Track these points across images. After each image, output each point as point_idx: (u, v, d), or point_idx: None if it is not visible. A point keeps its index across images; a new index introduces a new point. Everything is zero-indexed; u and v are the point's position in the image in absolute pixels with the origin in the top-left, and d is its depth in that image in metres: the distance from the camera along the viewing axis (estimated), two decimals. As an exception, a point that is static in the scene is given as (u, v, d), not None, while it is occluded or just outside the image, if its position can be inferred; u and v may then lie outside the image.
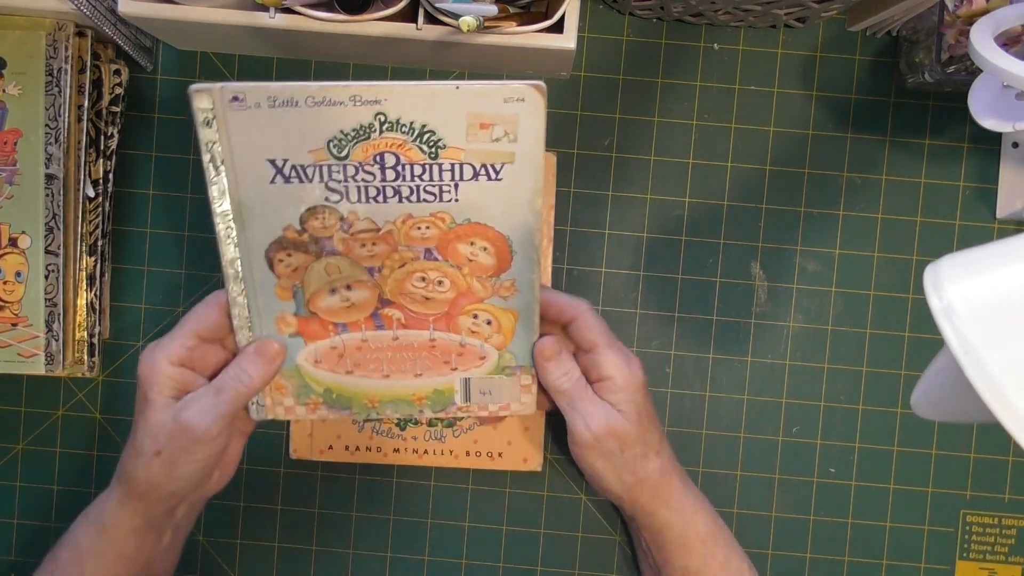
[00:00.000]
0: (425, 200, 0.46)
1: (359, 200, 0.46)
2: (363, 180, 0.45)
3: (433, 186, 0.46)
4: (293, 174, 0.45)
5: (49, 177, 0.52)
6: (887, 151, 0.58)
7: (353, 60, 0.58)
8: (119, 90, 0.55)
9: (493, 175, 0.45)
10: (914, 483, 0.58)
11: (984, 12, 0.46)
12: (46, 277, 0.52)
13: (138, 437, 0.47)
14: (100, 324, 0.56)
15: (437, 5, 0.46)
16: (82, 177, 0.53)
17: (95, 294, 0.55)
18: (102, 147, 0.55)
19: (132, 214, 0.58)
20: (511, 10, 0.50)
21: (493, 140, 0.44)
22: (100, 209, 0.55)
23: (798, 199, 0.58)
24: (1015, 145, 0.58)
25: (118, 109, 0.55)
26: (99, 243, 0.55)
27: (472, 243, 0.48)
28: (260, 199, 0.46)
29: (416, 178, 0.45)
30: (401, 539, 0.59)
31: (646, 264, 0.58)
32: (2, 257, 0.52)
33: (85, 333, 0.55)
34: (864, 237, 0.58)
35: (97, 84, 0.54)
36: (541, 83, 0.43)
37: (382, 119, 0.44)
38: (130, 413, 0.58)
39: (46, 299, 0.52)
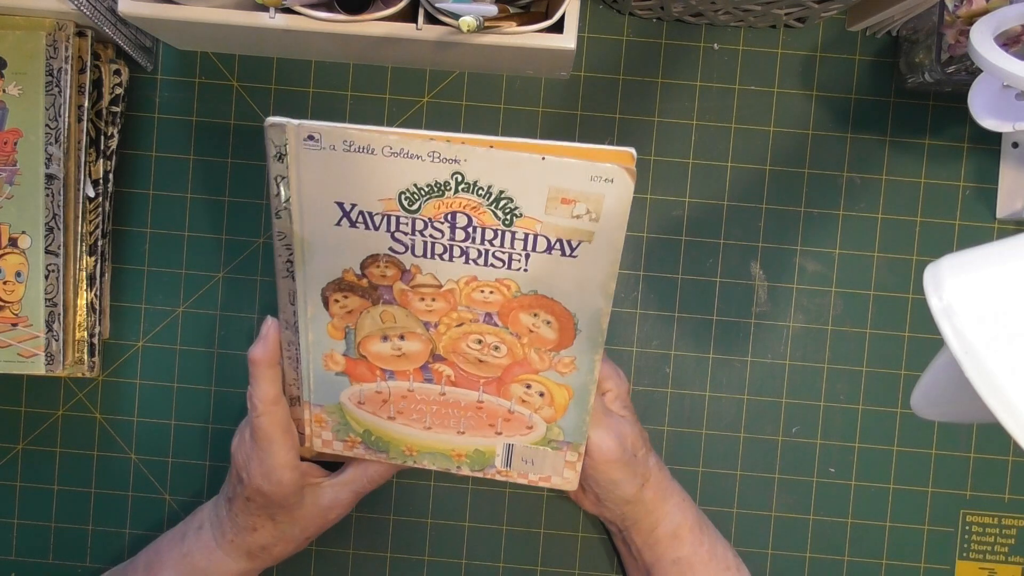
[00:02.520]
0: (492, 265, 0.44)
1: (424, 255, 0.44)
2: (431, 236, 0.44)
3: (503, 253, 0.44)
4: (360, 220, 0.44)
5: (49, 177, 0.52)
6: (887, 151, 0.58)
7: (353, 60, 0.58)
8: (119, 90, 0.55)
9: (568, 251, 0.43)
10: (914, 483, 0.58)
11: (984, 12, 0.46)
12: (46, 277, 0.52)
13: None
14: (100, 324, 0.56)
15: (437, 5, 0.46)
16: (82, 177, 0.53)
17: (95, 294, 0.55)
18: (102, 147, 0.55)
19: (132, 214, 0.58)
20: (511, 10, 0.50)
21: (573, 216, 0.42)
22: (100, 209, 0.55)
23: (798, 199, 0.58)
24: (1015, 145, 0.58)
25: (118, 109, 0.55)
26: (99, 243, 0.55)
27: (536, 315, 0.46)
28: (323, 239, 0.45)
29: (487, 242, 0.43)
30: (401, 539, 0.59)
31: (646, 264, 0.58)
32: (2, 257, 0.52)
33: (85, 333, 0.55)
34: (864, 237, 0.58)
35: (97, 84, 0.54)
36: (631, 160, 0.40)
37: (459, 179, 0.42)
38: (130, 413, 0.59)
39: (46, 299, 0.52)
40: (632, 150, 0.41)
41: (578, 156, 0.41)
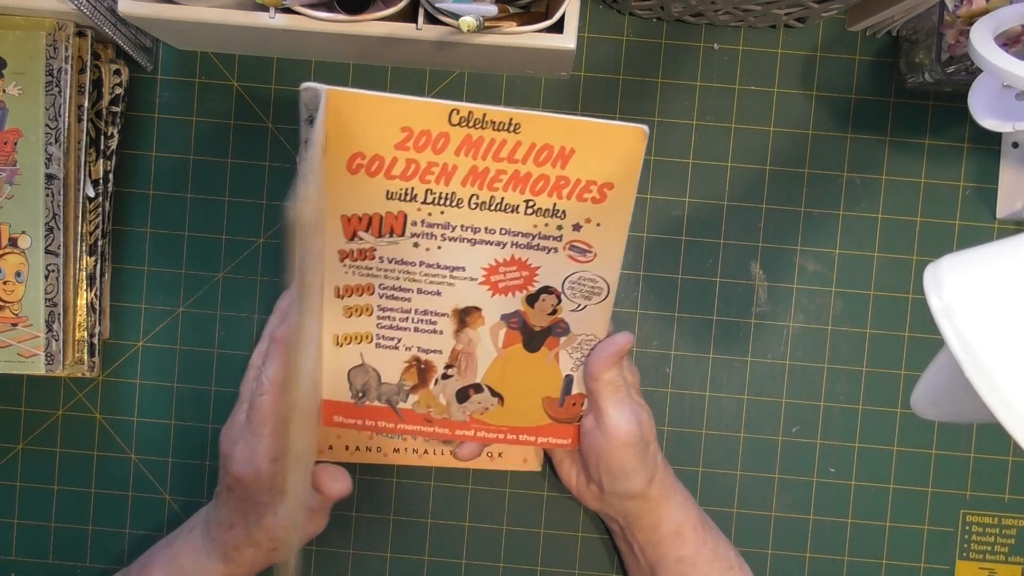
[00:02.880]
0: None
1: None
2: None
3: None
4: None
5: (49, 177, 0.52)
6: (887, 151, 0.58)
7: (353, 60, 0.58)
8: (119, 90, 0.55)
9: None
10: (914, 483, 0.58)
11: (984, 12, 0.46)
12: (46, 277, 0.52)
13: None
14: (100, 324, 0.56)
15: (437, 5, 0.46)
16: (82, 177, 0.53)
17: (95, 294, 0.55)
18: (102, 147, 0.55)
19: (132, 214, 0.58)
20: (511, 10, 0.50)
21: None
22: (100, 209, 0.55)
23: (798, 199, 0.58)
24: (1015, 145, 0.58)
25: (118, 109, 0.55)
26: (99, 243, 0.55)
27: None
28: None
29: None
30: (401, 539, 0.59)
31: (646, 264, 0.58)
32: (2, 257, 0.52)
33: (85, 333, 0.55)
34: (864, 237, 0.58)
35: (97, 84, 0.54)
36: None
37: None
38: (130, 413, 0.59)
39: (46, 299, 0.52)
40: (645, 127, 0.42)
41: (590, 131, 0.42)
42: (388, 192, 0.45)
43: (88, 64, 0.53)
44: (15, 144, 0.52)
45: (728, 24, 0.57)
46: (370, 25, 0.49)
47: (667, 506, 0.52)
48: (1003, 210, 0.58)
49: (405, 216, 0.46)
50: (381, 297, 0.48)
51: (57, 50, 0.51)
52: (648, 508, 0.52)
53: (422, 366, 0.50)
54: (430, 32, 0.48)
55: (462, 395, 0.51)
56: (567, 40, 0.49)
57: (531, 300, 0.48)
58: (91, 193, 0.54)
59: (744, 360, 0.58)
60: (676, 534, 0.52)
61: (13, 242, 0.52)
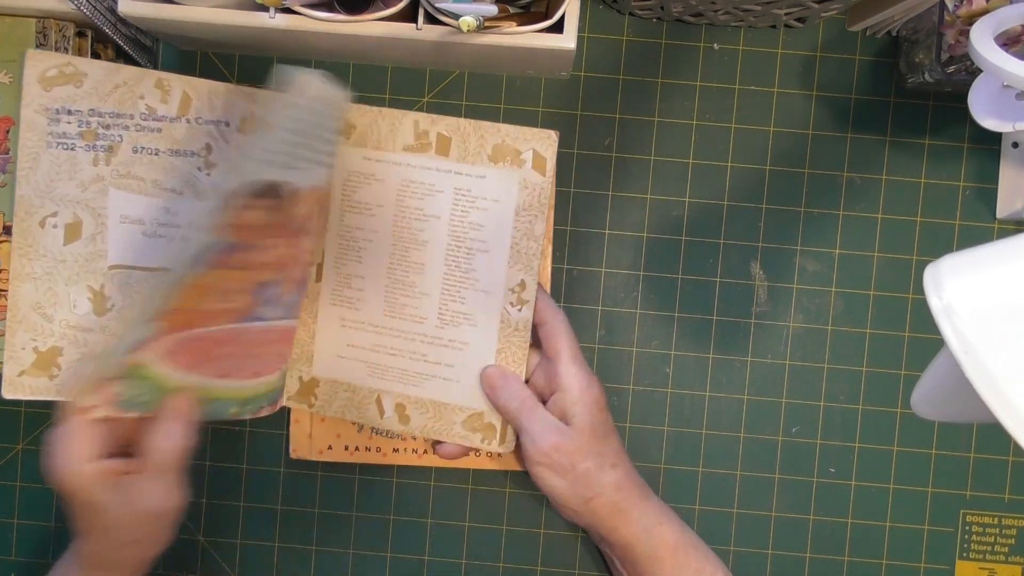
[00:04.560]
0: None
1: None
2: None
3: None
4: None
5: (44, 168, 0.52)
6: (887, 151, 0.58)
7: (353, 60, 0.58)
8: (119, 90, 0.55)
9: None
10: (914, 483, 0.58)
11: (984, 12, 0.46)
12: (46, 275, 0.52)
13: None
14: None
15: (437, 5, 0.46)
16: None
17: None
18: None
19: (132, 214, 0.58)
20: (511, 10, 0.50)
21: None
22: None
23: (798, 199, 0.58)
24: (1015, 145, 0.58)
25: (118, 109, 0.55)
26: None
27: None
28: None
29: None
30: (401, 539, 0.59)
31: (646, 264, 0.58)
32: (-1, 248, 0.52)
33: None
34: (864, 237, 0.58)
35: (97, 84, 0.54)
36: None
37: None
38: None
39: (46, 298, 0.52)
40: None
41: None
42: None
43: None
44: (7, 132, 0.51)
45: (728, 24, 0.57)
46: (370, 25, 0.49)
47: (629, 528, 0.51)
48: (1003, 210, 0.58)
49: None
50: None
51: (47, 36, 0.51)
52: (606, 529, 0.51)
53: None
54: (430, 32, 0.48)
55: None
56: (567, 40, 0.49)
57: None
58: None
59: (744, 360, 0.58)
60: (652, 558, 0.51)
61: (8, 230, 0.52)
